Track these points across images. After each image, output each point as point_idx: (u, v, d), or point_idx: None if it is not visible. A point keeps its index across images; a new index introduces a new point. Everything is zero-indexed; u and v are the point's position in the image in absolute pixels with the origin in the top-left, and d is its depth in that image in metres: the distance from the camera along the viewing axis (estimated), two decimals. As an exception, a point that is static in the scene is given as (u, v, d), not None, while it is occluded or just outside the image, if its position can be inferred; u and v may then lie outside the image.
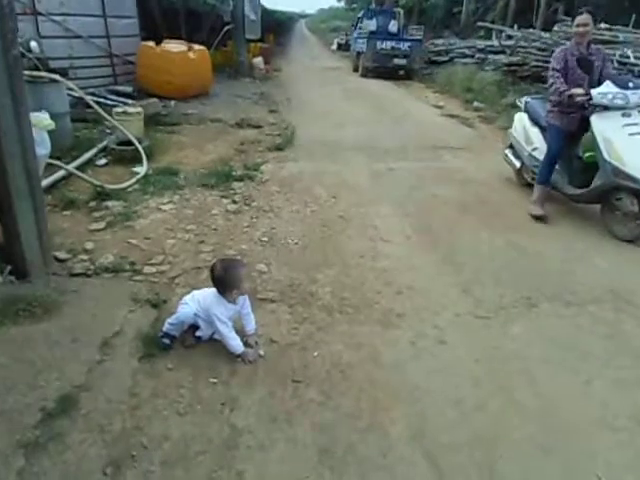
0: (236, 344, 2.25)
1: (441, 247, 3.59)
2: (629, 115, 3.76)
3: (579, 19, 3.98)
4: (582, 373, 2.32)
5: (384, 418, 2.00)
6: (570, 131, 4.12)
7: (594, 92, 3.77)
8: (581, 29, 3.97)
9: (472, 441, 1.91)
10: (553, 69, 4.05)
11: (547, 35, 10.21)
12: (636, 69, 7.43)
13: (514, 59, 10.31)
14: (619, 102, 3.73)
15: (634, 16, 10.17)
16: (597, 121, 3.85)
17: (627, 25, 9.76)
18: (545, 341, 2.55)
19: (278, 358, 2.32)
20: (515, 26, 12.70)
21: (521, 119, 4.93)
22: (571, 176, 4.27)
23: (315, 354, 2.36)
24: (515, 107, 8.19)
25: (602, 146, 3.75)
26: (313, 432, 1.92)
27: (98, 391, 2.02)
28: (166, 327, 2.32)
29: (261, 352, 2.33)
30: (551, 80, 4.05)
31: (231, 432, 1.89)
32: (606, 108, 3.81)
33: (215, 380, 2.14)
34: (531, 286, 3.07)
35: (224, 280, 2.24)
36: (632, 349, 2.52)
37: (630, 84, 3.79)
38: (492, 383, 2.23)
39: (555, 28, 10.26)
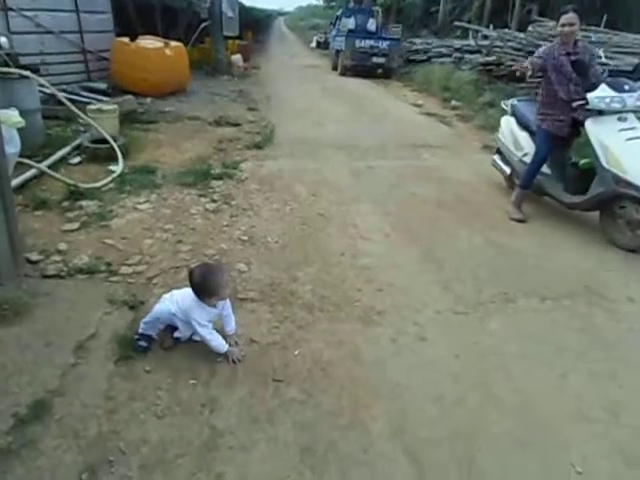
0: (219, 344, 2.22)
1: (421, 245, 3.62)
2: (625, 119, 3.62)
3: (565, 18, 3.75)
4: (557, 367, 2.37)
5: (365, 415, 2.01)
6: (560, 135, 3.96)
7: (591, 96, 3.63)
8: (567, 29, 3.76)
9: (452, 436, 1.93)
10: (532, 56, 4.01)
11: (522, 35, 10.41)
12: (607, 69, 7.64)
13: (490, 59, 10.46)
14: (616, 106, 3.58)
15: (605, 16, 10.45)
16: (592, 126, 3.70)
17: (599, 25, 10.01)
18: (522, 336, 2.60)
19: (258, 357, 2.30)
20: (491, 26, 12.92)
21: (508, 123, 4.69)
22: (566, 183, 4.10)
23: (296, 353, 2.35)
24: (492, 105, 8.34)
25: (599, 152, 3.62)
26: (294, 431, 1.91)
27: (73, 395, 1.97)
28: (141, 327, 2.28)
29: (242, 352, 2.31)
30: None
31: (211, 433, 1.87)
32: (600, 112, 3.67)
33: (194, 381, 2.12)
34: (509, 282, 3.12)
35: (203, 287, 2.18)
36: (604, 342, 2.59)
37: (626, 87, 3.63)
38: (471, 379, 2.25)
39: (530, 28, 10.47)
